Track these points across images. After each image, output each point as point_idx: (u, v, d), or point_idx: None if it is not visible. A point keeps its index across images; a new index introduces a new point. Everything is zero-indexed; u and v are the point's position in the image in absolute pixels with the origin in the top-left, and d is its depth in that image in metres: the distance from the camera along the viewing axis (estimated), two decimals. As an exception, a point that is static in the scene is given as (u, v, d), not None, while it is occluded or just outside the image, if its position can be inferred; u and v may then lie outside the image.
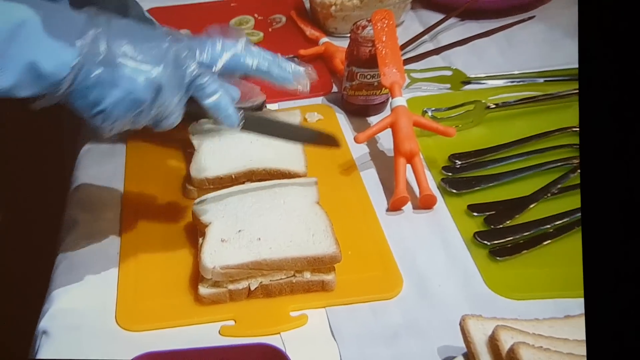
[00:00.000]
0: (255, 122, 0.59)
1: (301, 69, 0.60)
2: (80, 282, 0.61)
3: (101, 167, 0.74)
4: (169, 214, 0.67)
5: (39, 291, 0.61)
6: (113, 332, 0.56)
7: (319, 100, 0.85)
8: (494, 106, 0.79)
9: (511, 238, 0.63)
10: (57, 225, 0.68)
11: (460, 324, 0.52)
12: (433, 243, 0.64)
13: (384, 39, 0.76)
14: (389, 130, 0.72)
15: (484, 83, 0.85)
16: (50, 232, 0.68)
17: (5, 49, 0.44)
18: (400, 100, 0.73)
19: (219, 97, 0.53)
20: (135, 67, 0.48)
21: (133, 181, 0.72)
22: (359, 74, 0.79)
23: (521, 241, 0.63)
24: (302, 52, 0.91)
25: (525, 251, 0.62)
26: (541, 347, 0.48)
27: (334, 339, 0.55)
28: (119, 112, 0.49)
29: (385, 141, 0.76)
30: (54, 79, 0.46)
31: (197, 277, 0.59)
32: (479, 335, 0.50)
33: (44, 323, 0.57)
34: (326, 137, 0.63)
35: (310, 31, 0.96)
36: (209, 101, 0.53)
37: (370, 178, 0.72)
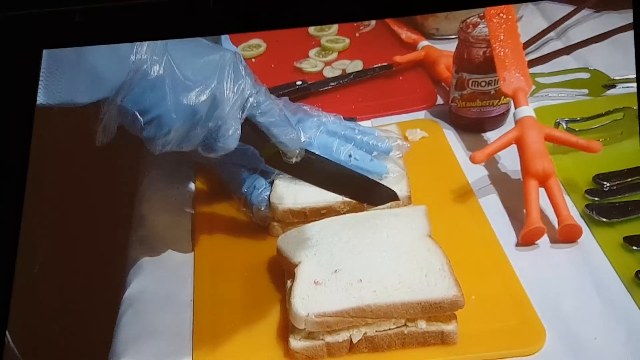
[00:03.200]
0: (314, 163, 0.66)
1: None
2: (149, 334, 0.63)
3: (167, 200, 0.78)
4: (249, 252, 0.69)
5: (101, 342, 0.64)
6: (190, 394, 0.58)
7: (422, 114, 0.87)
8: (649, 113, 0.77)
9: (687, 278, 0.61)
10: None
11: (629, 386, 0.50)
12: (581, 285, 0.63)
13: (501, 37, 0.77)
14: (513, 147, 0.72)
15: (632, 86, 0.83)
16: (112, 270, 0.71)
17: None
18: (527, 110, 0.73)
19: (277, 114, 0.61)
20: (192, 77, 0.56)
21: (204, 216, 0.75)
22: (471, 81, 0.79)
23: (701, 282, 0.60)
24: (397, 59, 0.93)
25: None
26: None
27: (461, 404, 0.55)
28: (173, 121, 0.55)
29: (508, 161, 0.76)
30: (113, 81, 0.53)
31: (286, 327, 0.60)
32: (658, 401, 0.48)
33: (108, 384, 0.60)
34: (386, 191, 0.69)
35: (406, 34, 0.99)
36: (265, 119, 0.60)
37: (491, 206, 0.72)
